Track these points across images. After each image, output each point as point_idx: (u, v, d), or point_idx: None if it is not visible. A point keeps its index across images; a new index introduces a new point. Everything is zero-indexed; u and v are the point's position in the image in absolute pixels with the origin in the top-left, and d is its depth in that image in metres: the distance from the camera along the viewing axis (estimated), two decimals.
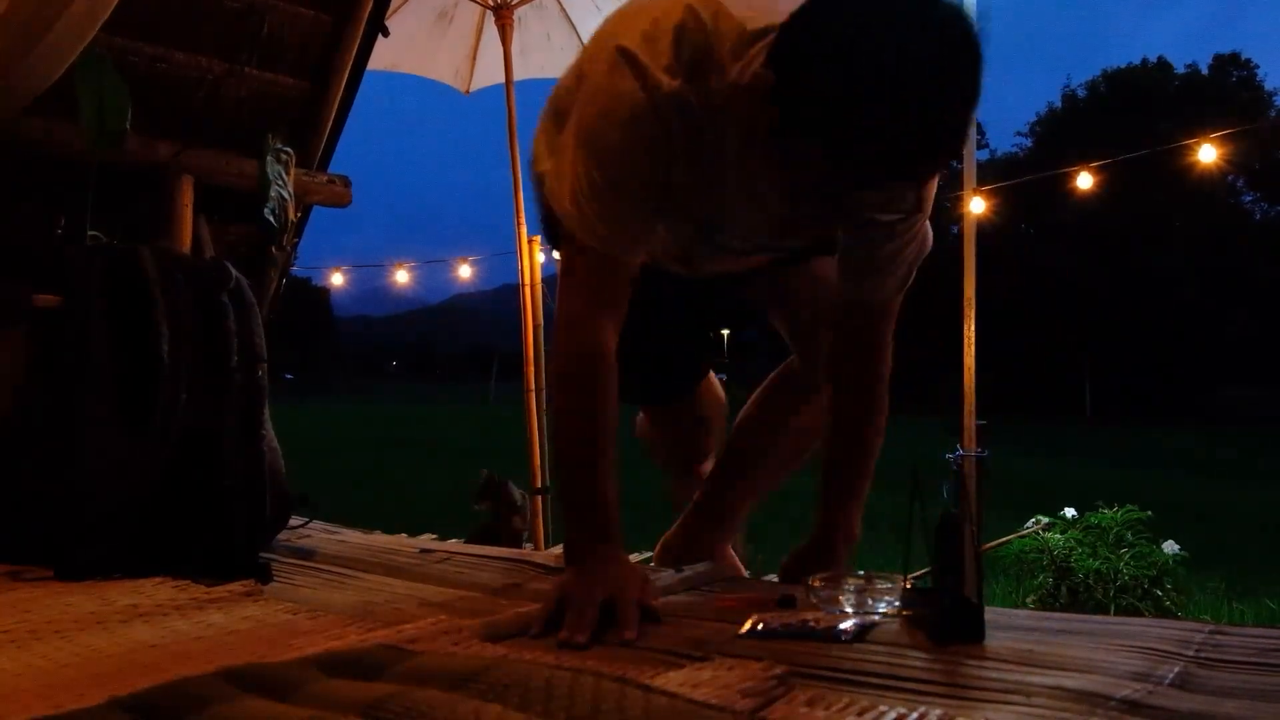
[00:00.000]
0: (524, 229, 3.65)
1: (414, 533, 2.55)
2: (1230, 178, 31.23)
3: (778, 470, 1.73)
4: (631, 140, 1.21)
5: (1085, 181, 4.45)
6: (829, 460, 1.51)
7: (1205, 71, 35.40)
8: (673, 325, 1.70)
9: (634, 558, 1.90)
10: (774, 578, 1.73)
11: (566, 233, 1.26)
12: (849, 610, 1.23)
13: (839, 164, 1.08)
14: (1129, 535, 3.59)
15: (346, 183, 2.78)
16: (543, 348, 3.61)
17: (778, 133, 1.10)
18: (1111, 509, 3.70)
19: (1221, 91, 32.73)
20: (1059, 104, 37.09)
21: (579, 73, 1.39)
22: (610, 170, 1.23)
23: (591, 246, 1.25)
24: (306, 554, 1.77)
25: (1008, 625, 1.17)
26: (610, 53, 1.22)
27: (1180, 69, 36.26)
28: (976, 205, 3.87)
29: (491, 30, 3.87)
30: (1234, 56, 35.42)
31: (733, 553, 1.72)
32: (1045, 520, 3.86)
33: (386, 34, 2.84)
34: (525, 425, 3.53)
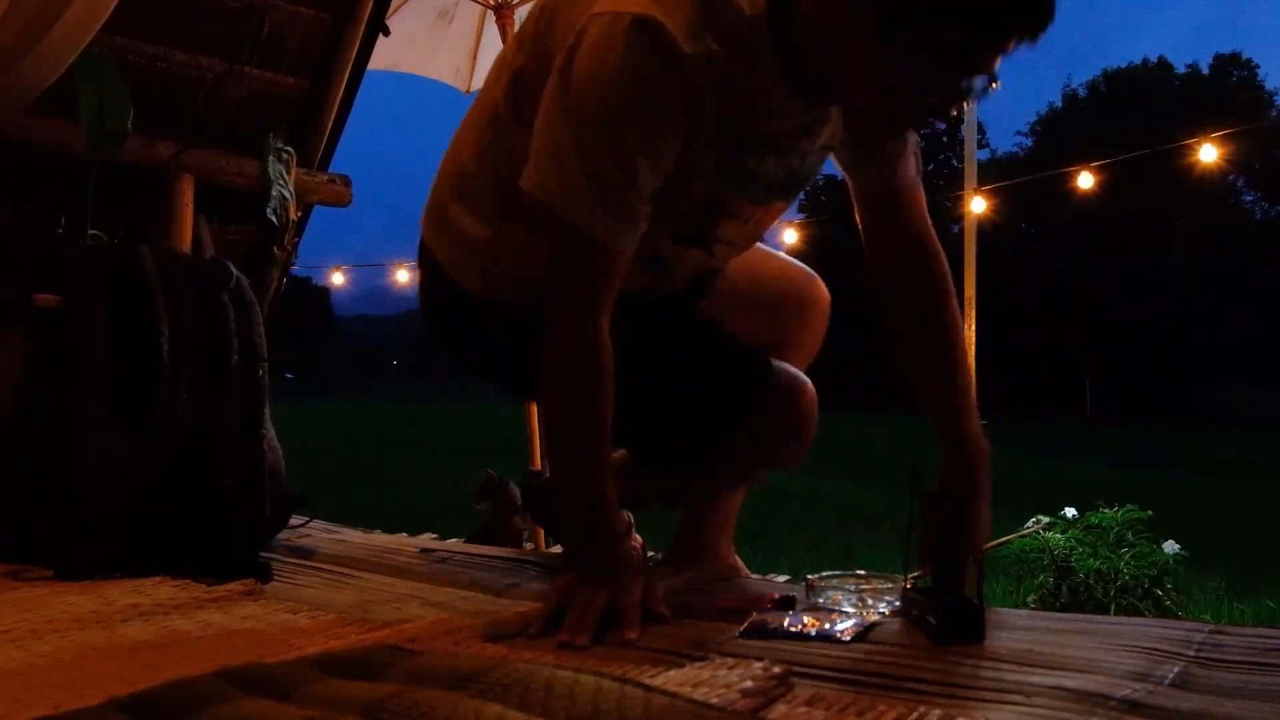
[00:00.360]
0: None
1: (414, 533, 2.55)
2: (1231, 177, 31.23)
3: None
4: (662, 113, 1.16)
5: (1086, 181, 4.45)
6: (923, 370, 1.42)
7: (1206, 71, 35.41)
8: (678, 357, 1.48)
9: None
10: (775, 577, 1.73)
11: (570, 230, 1.20)
12: (849, 610, 1.24)
13: (976, 36, 1.08)
14: (1129, 535, 3.58)
15: (347, 182, 2.78)
16: None
17: (890, 29, 1.08)
18: (1112, 509, 3.69)
19: (1222, 91, 32.73)
20: (1059, 103, 37.12)
21: (513, 74, 1.31)
22: (639, 144, 1.17)
23: (593, 241, 1.19)
24: (306, 554, 1.77)
25: (1008, 625, 1.17)
26: (621, 23, 1.14)
27: (1181, 68, 36.31)
28: (977, 205, 3.88)
29: (492, 30, 3.87)
30: (1234, 56, 35.45)
31: (733, 551, 1.71)
32: (1045, 520, 3.85)
33: (387, 33, 2.85)
34: (525, 425, 3.53)
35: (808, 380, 1.49)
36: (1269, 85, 35.93)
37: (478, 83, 4.24)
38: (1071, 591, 3.50)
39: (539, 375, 1.24)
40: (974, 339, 3.47)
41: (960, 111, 1.23)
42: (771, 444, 1.48)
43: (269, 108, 2.58)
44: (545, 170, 1.21)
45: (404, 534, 2.48)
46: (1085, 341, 31.04)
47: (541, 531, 3.21)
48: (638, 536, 1.82)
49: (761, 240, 1.65)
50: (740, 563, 1.69)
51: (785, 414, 1.45)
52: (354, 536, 2.10)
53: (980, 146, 5.14)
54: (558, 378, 1.23)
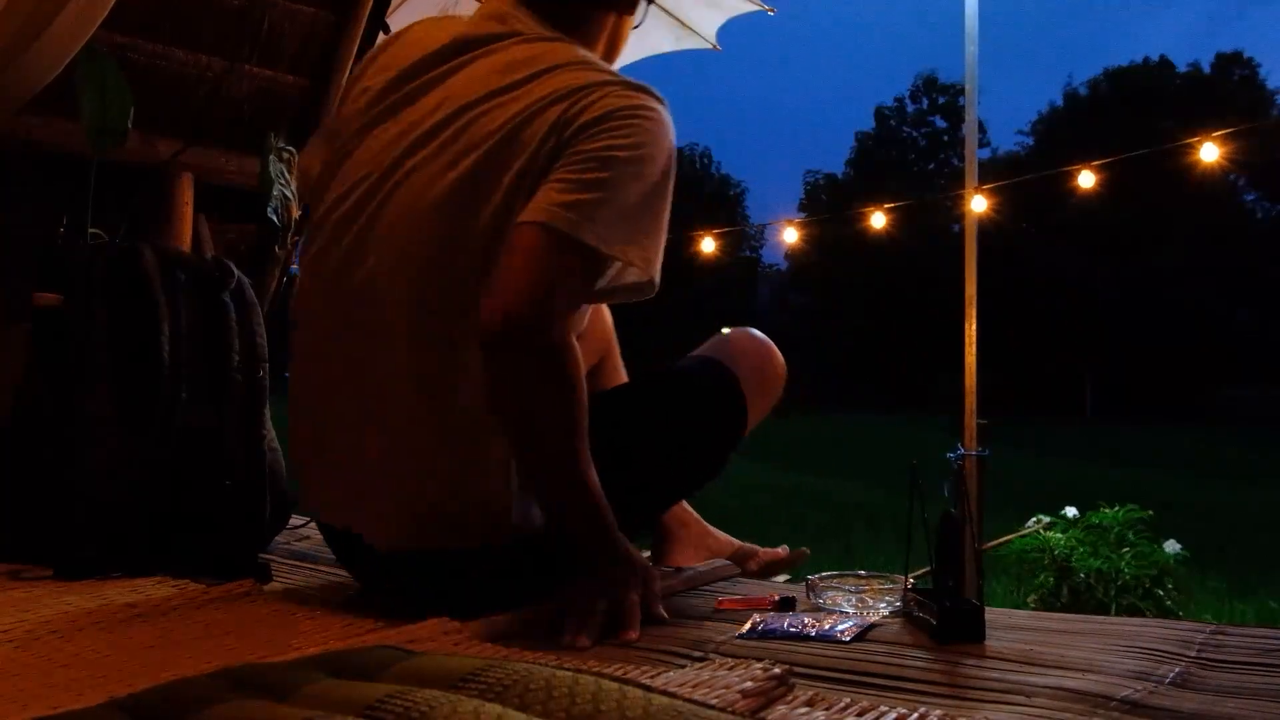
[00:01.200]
0: None
1: None
2: (1232, 177, 31.19)
3: None
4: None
5: (1087, 180, 4.44)
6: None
7: (1207, 70, 35.40)
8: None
9: None
10: (775, 577, 1.73)
11: (599, 257, 1.22)
12: (849, 610, 1.24)
13: None
14: (1130, 535, 3.59)
15: None
16: None
17: None
18: (1112, 509, 3.69)
19: (1224, 90, 32.71)
20: (1061, 102, 37.11)
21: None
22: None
23: (608, 263, 1.26)
24: (306, 554, 1.77)
25: (1008, 625, 1.17)
26: (647, 95, 1.28)
27: (1182, 68, 36.30)
28: (978, 204, 3.87)
29: None
30: (1236, 55, 35.41)
31: (711, 527, 1.69)
32: (1046, 519, 3.86)
33: (387, 31, 2.84)
34: None
35: (757, 336, 1.56)
36: (1270, 84, 35.80)
37: None
38: (1072, 591, 3.50)
39: (512, 393, 1.20)
40: (974, 338, 3.47)
41: None
42: (764, 411, 1.54)
43: (269, 106, 2.58)
44: (622, 231, 1.23)
45: None
46: (1086, 341, 31.04)
47: None
48: None
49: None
50: (727, 536, 1.68)
51: (770, 391, 1.54)
52: None
53: (981, 145, 5.14)
54: (551, 388, 1.19)
